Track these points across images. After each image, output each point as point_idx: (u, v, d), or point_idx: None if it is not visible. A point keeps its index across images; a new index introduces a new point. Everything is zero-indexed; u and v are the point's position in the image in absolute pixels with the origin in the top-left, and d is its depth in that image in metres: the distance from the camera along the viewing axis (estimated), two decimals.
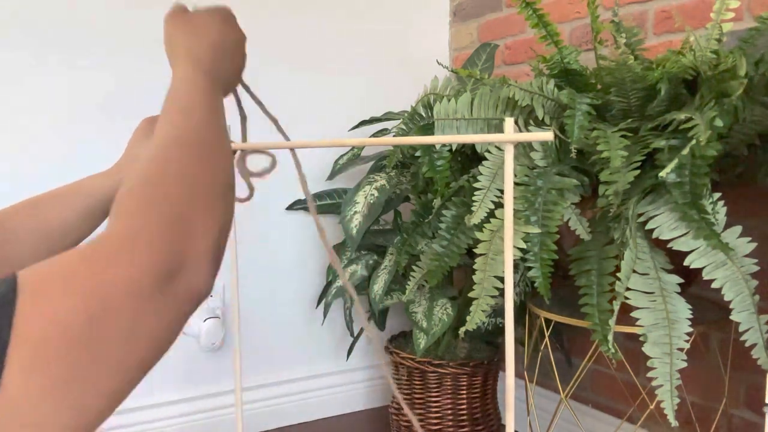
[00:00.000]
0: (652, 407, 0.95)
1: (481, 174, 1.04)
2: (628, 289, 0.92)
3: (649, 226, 0.92)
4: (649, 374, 0.90)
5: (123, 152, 0.82)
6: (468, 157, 1.20)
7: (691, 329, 0.90)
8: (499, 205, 1.00)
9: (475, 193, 1.03)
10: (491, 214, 1.01)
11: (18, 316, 0.37)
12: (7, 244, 0.69)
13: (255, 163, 0.94)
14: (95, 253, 0.41)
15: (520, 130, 1.06)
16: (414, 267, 1.28)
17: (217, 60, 0.69)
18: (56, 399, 0.38)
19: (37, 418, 0.38)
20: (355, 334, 1.63)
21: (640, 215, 0.93)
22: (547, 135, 0.77)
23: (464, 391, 1.43)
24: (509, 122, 0.76)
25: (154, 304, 0.42)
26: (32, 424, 0.37)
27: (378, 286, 1.38)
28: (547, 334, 1.12)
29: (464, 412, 1.44)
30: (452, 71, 1.25)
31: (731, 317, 0.89)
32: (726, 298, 0.89)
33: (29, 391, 0.37)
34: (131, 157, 0.81)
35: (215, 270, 0.48)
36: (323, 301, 1.59)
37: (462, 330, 1.05)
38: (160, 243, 0.44)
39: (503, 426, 1.66)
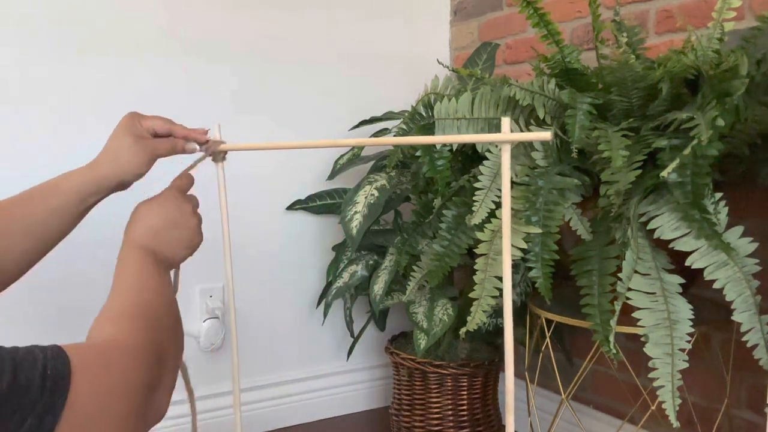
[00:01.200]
0: (653, 408, 0.95)
1: (481, 174, 1.03)
2: (629, 289, 0.91)
3: (650, 226, 0.91)
4: (651, 375, 0.89)
5: (103, 147, 0.83)
6: (469, 157, 1.20)
7: (692, 330, 0.90)
8: (500, 205, 1.00)
9: (476, 192, 1.02)
10: (492, 214, 1.01)
11: (72, 397, 0.46)
12: None
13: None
14: (117, 362, 0.54)
15: (521, 130, 1.06)
16: (414, 267, 1.27)
17: (155, 239, 0.78)
18: None
19: None
20: (356, 335, 1.63)
21: (641, 215, 0.93)
22: (545, 135, 0.76)
23: (465, 392, 1.43)
24: (506, 122, 0.75)
25: (140, 410, 0.53)
26: None
27: (378, 287, 1.38)
28: (548, 335, 1.12)
29: (465, 412, 1.43)
30: (453, 71, 1.25)
31: (733, 318, 0.89)
32: (727, 299, 0.88)
33: None
34: (112, 151, 0.81)
35: (166, 406, 0.62)
36: (323, 302, 1.59)
37: (463, 330, 1.05)
38: (152, 363, 0.57)
39: (504, 427, 1.66)
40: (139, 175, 0.83)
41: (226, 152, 0.90)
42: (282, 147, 1.09)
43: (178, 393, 1.61)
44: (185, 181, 0.87)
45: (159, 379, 0.58)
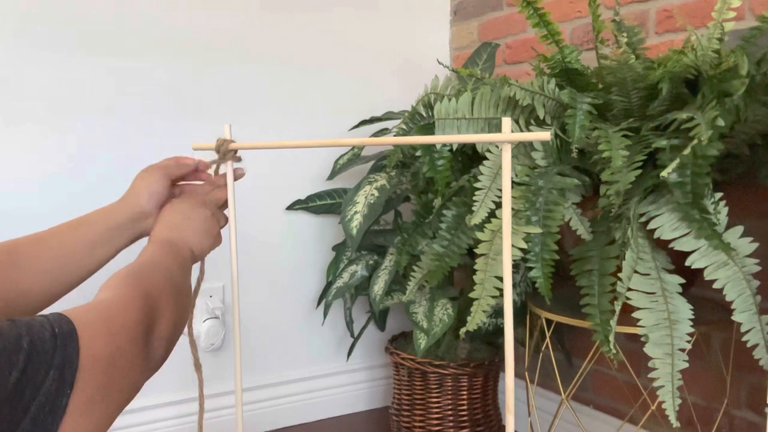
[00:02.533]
0: (653, 408, 0.95)
1: (481, 174, 1.03)
2: (629, 289, 0.91)
3: (650, 226, 0.91)
4: (651, 375, 0.89)
5: (129, 188, 0.90)
6: (469, 157, 1.20)
7: (692, 330, 0.90)
8: (500, 205, 1.00)
9: (476, 192, 1.02)
10: (492, 214, 1.01)
11: (82, 346, 0.52)
12: (14, 271, 0.77)
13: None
14: (109, 309, 0.59)
15: (521, 130, 1.06)
16: (414, 267, 1.27)
17: (179, 233, 0.84)
18: (85, 415, 0.52)
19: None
20: (356, 335, 1.63)
21: (641, 215, 0.93)
22: (545, 135, 0.76)
23: (465, 392, 1.43)
24: (507, 122, 0.76)
25: (141, 349, 0.60)
26: None
27: (378, 287, 1.38)
28: (548, 335, 1.12)
29: (465, 412, 1.43)
30: (453, 71, 1.24)
31: (733, 318, 0.89)
32: (727, 299, 0.88)
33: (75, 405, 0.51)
34: (139, 190, 0.89)
35: (166, 353, 0.67)
36: (323, 301, 1.59)
37: (463, 330, 1.05)
38: (144, 309, 0.63)
39: (504, 427, 1.66)
40: (156, 194, 0.89)
41: (236, 151, 0.95)
42: (290, 146, 1.16)
43: (179, 393, 1.61)
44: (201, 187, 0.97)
45: (153, 322, 0.64)
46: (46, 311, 0.68)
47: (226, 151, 0.93)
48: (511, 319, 0.77)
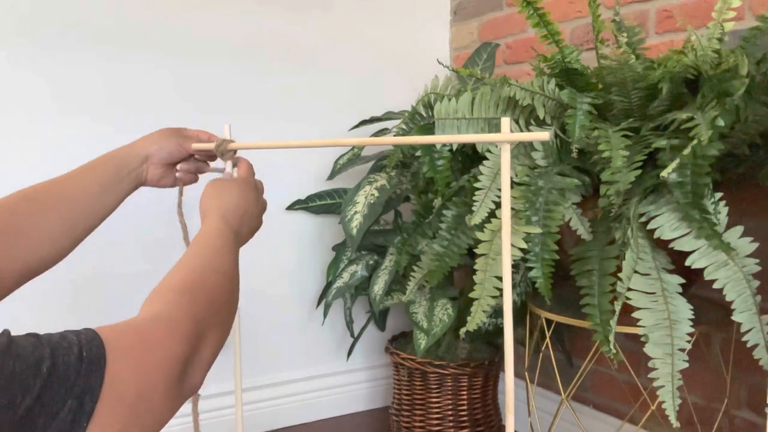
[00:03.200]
0: (653, 408, 0.95)
1: (481, 174, 1.03)
2: (629, 289, 0.91)
3: (650, 226, 0.91)
4: (651, 375, 0.89)
5: (144, 139, 0.90)
6: (469, 157, 1.20)
7: (692, 330, 0.90)
8: (500, 205, 1.00)
9: (476, 193, 1.02)
10: (492, 214, 1.01)
11: (108, 375, 0.48)
12: (35, 214, 0.76)
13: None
14: (150, 334, 0.54)
15: (521, 130, 1.06)
16: (414, 267, 1.27)
17: (240, 220, 0.82)
18: None
19: None
20: (356, 335, 1.63)
21: (641, 215, 0.93)
22: (544, 135, 0.76)
23: (465, 392, 1.43)
24: (506, 122, 0.76)
25: (175, 385, 0.54)
26: None
27: (378, 287, 1.38)
28: (548, 335, 1.12)
29: (465, 412, 1.43)
30: (453, 71, 1.24)
31: (733, 318, 0.89)
32: (727, 299, 0.88)
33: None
34: (153, 139, 0.90)
35: (202, 378, 0.61)
36: (323, 302, 1.59)
37: (463, 330, 1.05)
38: (190, 337, 0.57)
39: (504, 427, 1.66)
40: (167, 150, 0.90)
41: (235, 151, 0.95)
42: (290, 146, 1.18)
43: None
44: (251, 170, 0.95)
45: (196, 351, 0.58)
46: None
47: (224, 151, 0.94)
48: (511, 319, 0.77)
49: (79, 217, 0.81)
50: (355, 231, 1.29)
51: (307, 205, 1.67)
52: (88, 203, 0.81)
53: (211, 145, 0.93)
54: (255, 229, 0.87)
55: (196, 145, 0.94)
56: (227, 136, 0.95)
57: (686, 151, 0.83)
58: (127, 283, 1.49)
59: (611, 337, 0.92)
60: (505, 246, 0.77)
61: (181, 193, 0.97)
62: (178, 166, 0.95)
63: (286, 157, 1.66)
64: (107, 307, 1.48)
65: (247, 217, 0.84)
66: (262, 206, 0.91)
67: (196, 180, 0.98)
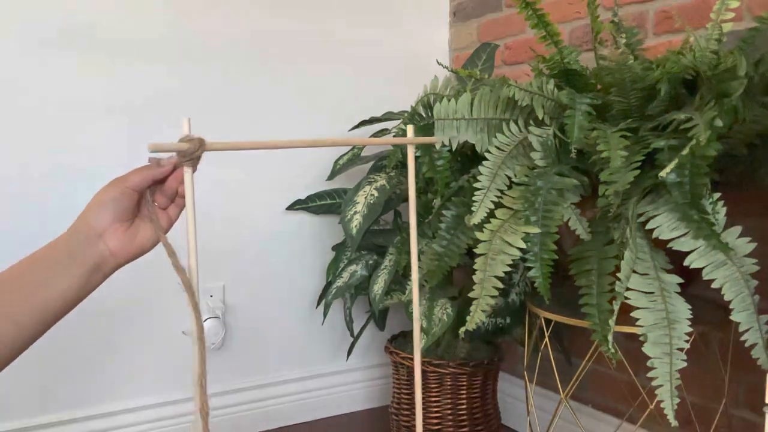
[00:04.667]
0: (651, 407, 0.95)
1: (481, 174, 1.04)
2: (628, 289, 0.92)
3: (649, 226, 0.92)
4: (649, 374, 0.90)
5: (80, 215, 0.73)
6: (468, 157, 1.20)
7: (691, 329, 0.90)
8: (500, 205, 1.00)
9: (475, 193, 1.02)
10: (491, 215, 1.01)
11: None
12: None
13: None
14: None
15: (521, 130, 1.06)
16: None
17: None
18: None
19: None
20: (356, 335, 1.63)
21: (640, 215, 0.93)
22: (435, 138, 0.80)
23: (464, 391, 1.43)
24: (410, 128, 0.78)
25: None
26: None
27: (378, 286, 1.38)
28: (547, 334, 1.12)
29: (464, 412, 1.44)
30: (452, 71, 1.25)
31: (731, 317, 0.89)
32: (726, 298, 0.89)
33: None
34: (89, 206, 0.72)
35: None
36: (323, 301, 1.59)
37: (462, 330, 1.05)
38: None
39: (503, 426, 1.66)
40: (106, 206, 0.71)
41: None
42: (254, 147, 1.03)
43: (179, 393, 1.61)
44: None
45: None
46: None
47: (200, 155, 0.68)
48: (418, 304, 0.75)
49: (30, 322, 0.68)
50: (354, 231, 1.30)
51: (307, 205, 1.67)
52: (39, 304, 0.69)
53: (181, 146, 0.66)
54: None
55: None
56: (187, 133, 0.68)
57: (685, 152, 0.83)
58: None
59: (610, 337, 0.92)
60: (413, 249, 0.74)
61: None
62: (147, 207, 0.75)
63: (286, 157, 1.66)
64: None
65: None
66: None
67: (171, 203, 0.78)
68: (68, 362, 1.47)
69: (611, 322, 0.93)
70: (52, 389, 1.46)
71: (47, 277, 0.69)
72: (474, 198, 1.02)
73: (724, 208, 0.89)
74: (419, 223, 1.27)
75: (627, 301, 0.92)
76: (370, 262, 1.51)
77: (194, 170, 0.68)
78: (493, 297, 1.00)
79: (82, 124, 1.42)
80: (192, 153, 0.66)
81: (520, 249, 0.97)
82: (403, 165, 1.39)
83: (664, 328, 0.90)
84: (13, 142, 1.38)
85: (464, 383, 1.43)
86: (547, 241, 0.97)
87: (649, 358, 0.90)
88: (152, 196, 0.75)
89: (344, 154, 1.61)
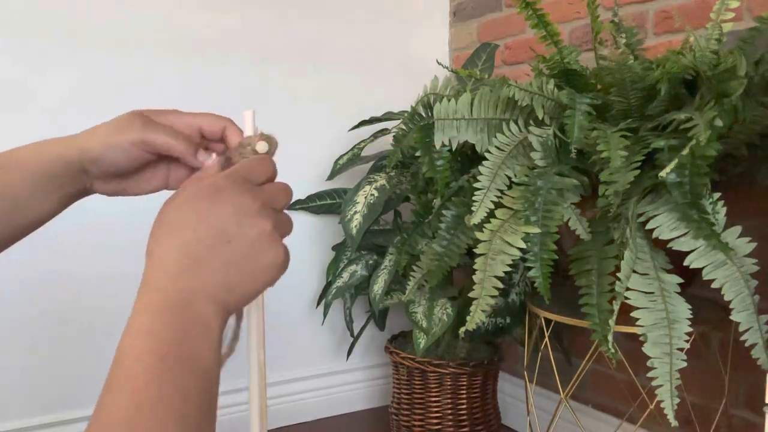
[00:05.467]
0: (651, 407, 0.95)
1: (481, 174, 1.04)
2: (628, 289, 0.92)
3: (649, 226, 0.92)
4: (649, 374, 0.90)
5: (89, 133, 0.59)
6: (468, 157, 1.20)
7: (691, 329, 0.90)
8: (499, 205, 1.00)
9: (475, 193, 1.02)
10: (491, 215, 1.01)
11: None
12: None
13: None
14: None
15: (521, 130, 1.06)
16: (414, 267, 1.28)
17: (221, 270, 0.45)
18: None
19: None
20: (356, 335, 1.63)
21: (640, 215, 0.93)
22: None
23: (464, 391, 1.43)
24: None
25: None
26: None
27: (378, 286, 1.38)
28: (547, 334, 1.12)
29: (464, 411, 1.44)
30: (452, 71, 1.25)
31: (731, 317, 0.89)
32: (726, 298, 0.89)
33: None
34: (96, 151, 0.57)
35: None
36: (323, 301, 1.59)
37: (462, 330, 1.05)
38: None
39: (503, 426, 1.66)
40: (115, 165, 0.58)
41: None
42: None
43: None
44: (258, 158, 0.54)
45: None
46: None
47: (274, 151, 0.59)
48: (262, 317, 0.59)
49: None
50: (354, 231, 1.30)
51: (307, 205, 1.67)
52: (11, 205, 0.57)
53: (264, 146, 0.57)
54: (255, 272, 0.47)
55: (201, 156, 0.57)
56: (249, 129, 0.59)
57: (685, 152, 0.83)
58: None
59: (610, 337, 0.92)
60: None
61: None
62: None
63: (286, 156, 1.66)
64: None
65: (214, 259, 0.45)
66: (258, 226, 0.47)
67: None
68: (70, 362, 1.47)
69: (611, 322, 0.93)
70: (53, 389, 1.46)
71: (26, 193, 0.57)
72: (474, 198, 1.02)
73: (724, 208, 0.89)
74: (419, 223, 1.27)
75: (627, 301, 0.92)
76: (370, 262, 1.51)
77: None
78: (493, 297, 1.00)
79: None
80: (271, 155, 0.57)
81: (520, 249, 0.97)
82: (404, 165, 1.39)
83: (664, 328, 0.90)
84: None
85: (464, 383, 1.43)
86: (547, 241, 0.97)
87: (649, 358, 0.90)
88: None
89: (344, 154, 1.61)
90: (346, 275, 1.51)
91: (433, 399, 1.44)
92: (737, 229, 0.90)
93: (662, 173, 0.84)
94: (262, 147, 0.56)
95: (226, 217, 0.46)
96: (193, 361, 0.40)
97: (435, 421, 1.44)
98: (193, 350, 0.41)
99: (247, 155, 0.56)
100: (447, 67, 1.31)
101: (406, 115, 1.24)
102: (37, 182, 0.58)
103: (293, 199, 1.70)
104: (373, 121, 1.59)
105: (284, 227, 0.50)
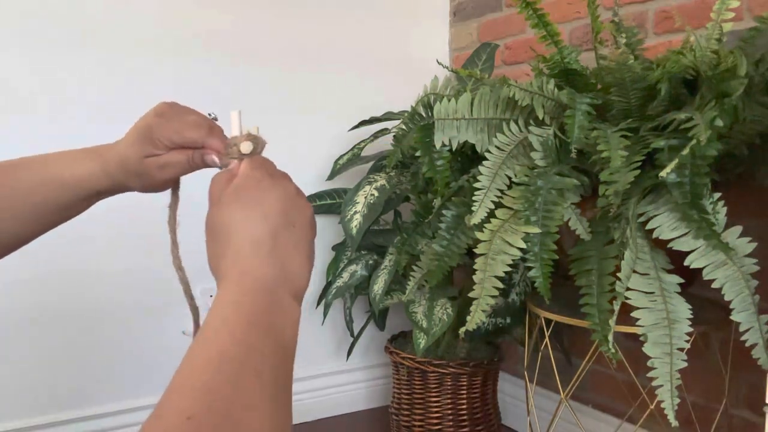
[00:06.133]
0: (652, 407, 0.95)
1: (481, 174, 1.03)
2: (628, 289, 0.92)
3: (649, 226, 0.92)
4: (650, 374, 0.90)
5: (127, 133, 0.64)
6: (468, 157, 1.20)
7: (691, 329, 0.90)
8: (500, 205, 1.00)
9: (475, 193, 1.02)
10: (491, 214, 1.01)
11: None
12: None
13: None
14: None
15: (521, 130, 1.06)
16: (414, 267, 1.27)
17: (291, 253, 0.48)
18: None
19: None
20: (356, 334, 1.63)
21: (640, 215, 0.93)
22: None
23: (464, 391, 1.43)
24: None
25: None
26: None
27: (378, 286, 1.38)
28: (547, 334, 1.12)
29: (464, 411, 1.44)
30: (452, 71, 1.25)
31: (731, 317, 0.89)
32: (726, 298, 0.89)
33: None
34: (133, 140, 0.62)
35: None
36: (323, 301, 1.59)
37: (462, 330, 1.05)
38: None
39: (503, 426, 1.66)
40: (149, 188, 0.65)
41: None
42: None
43: None
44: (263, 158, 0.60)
45: None
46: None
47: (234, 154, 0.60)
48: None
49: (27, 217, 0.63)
50: (354, 231, 1.30)
51: None
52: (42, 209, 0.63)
53: (249, 146, 0.59)
54: (310, 257, 0.51)
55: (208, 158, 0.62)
56: (236, 129, 0.61)
57: (685, 152, 0.83)
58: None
59: (610, 337, 0.92)
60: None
61: (175, 199, 0.67)
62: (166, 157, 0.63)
63: (286, 156, 1.66)
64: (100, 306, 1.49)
65: (286, 246, 0.49)
66: (310, 215, 0.53)
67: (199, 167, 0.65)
68: (72, 362, 1.47)
69: (611, 322, 0.93)
70: (53, 389, 1.46)
71: (53, 206, 0.63)
72: (474, 198, 1.02)
73: (725, 208, 0.89)
74: (419, 223, 1.27)
75: (627, 301, 0.92)
76: (370, 262, 1.51)
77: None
78: (493, 297, 1.00)
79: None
80: (258, 153, 0.60)
81: (520, 249, 0.97)
82: (404, 165, 1.39)
83: (664, 328, 0.90)
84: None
85: (464, 383, 1.43)
86: (547, 241, 0.97)
87: (650, 358, 0.90)
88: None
89: (344, 154, 1.61)
90: (346, 275, 1.51)
91: (433, 399, 1.43)
92: (737, 229, 0.90)
93: (662, 173, 0.84)
94: (246, 147, 0.58)
95: (282, 202, 0.50)
96: (277, 333, 0.43)
97: (435, 421, 1.44)
98: (277, 325, 0.44)
99: (233, 155, 0.58)
100: (447, 67, 1.31)
101: (406, 115, 1.24)
102: (66, 203, 0.63)
103: None
104: (373, 121, 1.58)
105: (312, 215, 0.54)
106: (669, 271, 0.94)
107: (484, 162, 1.04)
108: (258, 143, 0.59)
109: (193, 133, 0.61)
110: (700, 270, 0.89)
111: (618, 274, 0.92)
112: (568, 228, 1.00)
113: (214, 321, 0.43)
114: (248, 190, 0.51)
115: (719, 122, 0.83)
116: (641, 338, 0.91)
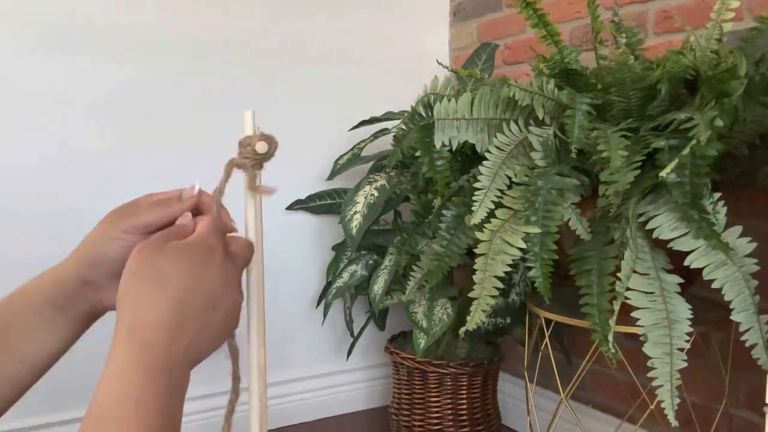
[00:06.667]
0: (652, 407, 0.95)
1: (481, 174, 1.03)
2: (628, 289, 0.91)
3: (649, 226, 0.92)
4: (650, 374, 0.90)
5: (81, 243, 0.59)
6: (468, 157, 1.20)
7: (691, 329, 0.90)
8: (500, 205, 1.00)
9: (476, 193, 1.02)
10: (491, 214, 1.01)
11: None
12: None
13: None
14: None
15: (521, 130, 1.06)
16: (414, 267, 1.27)
17: (177, 328, 0.47)
18: None
19: None
20: (356, 335, 1.63)
21: (640, 215, 0.93)
22: None
23: (464, 391, 1.43)
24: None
25: None
26: None
27: (378, 286, 1.38)
28: (547, 334, 1.12)
29: (464, 411, 1.44)
30: (452, 71, 1.25)
31: (731, 317, 0.89)
32: (726, 298, 0.89)
33: None
34: (86, 248, 0.58)
35: None
36: (323, 301, 1.59)
37: (462, 330, 1.05)
38: None
39: (503, 426, 1.66)
40: (104, 259, 0.57)
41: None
42: None
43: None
44: (222, 217, 0.57)
45: None
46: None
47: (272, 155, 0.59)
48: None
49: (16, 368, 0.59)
50: (354, 231, 1.30)
51: (307, 205, 1.67)
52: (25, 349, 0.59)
53: (263, 146, 0.58)
54: (223, 332, 0.51)
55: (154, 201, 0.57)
56: (249, 129, 0.60)
57: (685, 152, 0.83)
58: None
59: (610, 337, 0.92)
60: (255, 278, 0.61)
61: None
62: None
63: (286, 157, 1.66)
64: None
65: (195, 317, 0.48)
66: (237, 293, 0.52)
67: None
68: (72, 362, 1.47)
69: (611, 322, 0.93)
70: (53, 388, 1.46)
71: (32, 329, 0.58)
72: (474, 198, 1.02)
73: (725, 208, 0.89)
74: (419, 223, 1.27)
75: (627, 301, 0.92)
76: (370, 262, 1.51)
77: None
78: (493, 297, 1.00)
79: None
80: (270, 155, 0.59)
81: (520, 249, 0.97)
82: (404, 165, 1.39)
83: (664, 328, 0.90)
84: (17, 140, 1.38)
85: (464, 383, 1.43)
86: (547, 241, 0.97)
87: (650, 358, 0.90)
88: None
89: (344, 154, 1.61)
90: (346, 275, 1.51)
91: (433, 399, 1.43)
92: (737, 229, 0.90)
93: (662, 173, 0.84)
94: (261, 147, 0.58)
95: (217, 284, 0.50)
96: (173, 419, 0.46)
97: (435, 421, 1.44)
98: (173, 411, 0.46)
99: (247, 155, 0.58)
100: (447, 67, 1.31)
101: (406, 115, 1.24)
102: (37, 311, 0.58)
103: (293, 199, 1.71)
104: (373, 121, 1.58)
105: (240, 294, 0.54)
106: (669, 271, 0.93)
107: (484, 162, 1.04)
108: (272, 143, 0.59)
109: (153, 215, 0.56)
110: (700, 270, 0.89)
111: (618, 274, 0.92)
112: (568, 228, 1.00)
113: (109, 409, 0.44)
114: (197, 254, 0.49)
115: (719, 122, 0.83)
116: (641, 338, 0.91)
